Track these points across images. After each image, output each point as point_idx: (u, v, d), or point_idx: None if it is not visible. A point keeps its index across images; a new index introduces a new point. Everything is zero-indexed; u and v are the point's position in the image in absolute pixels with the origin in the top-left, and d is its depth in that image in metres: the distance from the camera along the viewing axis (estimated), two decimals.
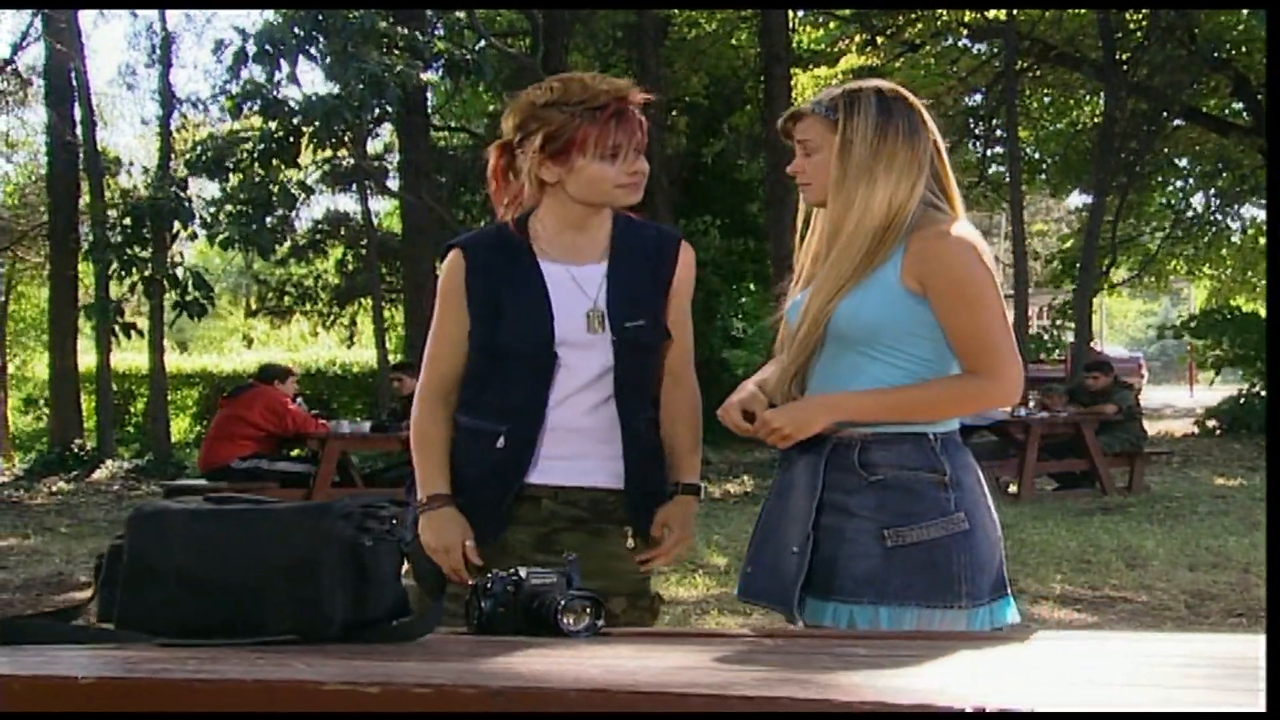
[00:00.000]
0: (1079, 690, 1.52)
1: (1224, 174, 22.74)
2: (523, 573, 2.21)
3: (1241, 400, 19.39)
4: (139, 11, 21.89)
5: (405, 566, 2.18)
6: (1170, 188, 24.32)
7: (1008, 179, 20.13)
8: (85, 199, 19.37)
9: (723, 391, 2.86)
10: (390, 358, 21.07)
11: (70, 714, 1.75)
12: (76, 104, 19.22)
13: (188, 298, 14.85)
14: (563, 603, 2.15)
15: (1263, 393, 19.36)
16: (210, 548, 2.11)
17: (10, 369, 25.50)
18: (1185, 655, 1.81)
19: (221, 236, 14.78)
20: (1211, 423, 19.33)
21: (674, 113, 21.25)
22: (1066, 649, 1.91)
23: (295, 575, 2.05)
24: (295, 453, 11.21)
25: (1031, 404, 12.89)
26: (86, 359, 20.19)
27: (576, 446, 2.84)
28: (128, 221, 16.01)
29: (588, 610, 2.17)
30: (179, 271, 15.89)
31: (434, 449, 2.89)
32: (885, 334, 2.56)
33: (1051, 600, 6.69)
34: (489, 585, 2.22)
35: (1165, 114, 19.75)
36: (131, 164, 23.28)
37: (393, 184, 20.93)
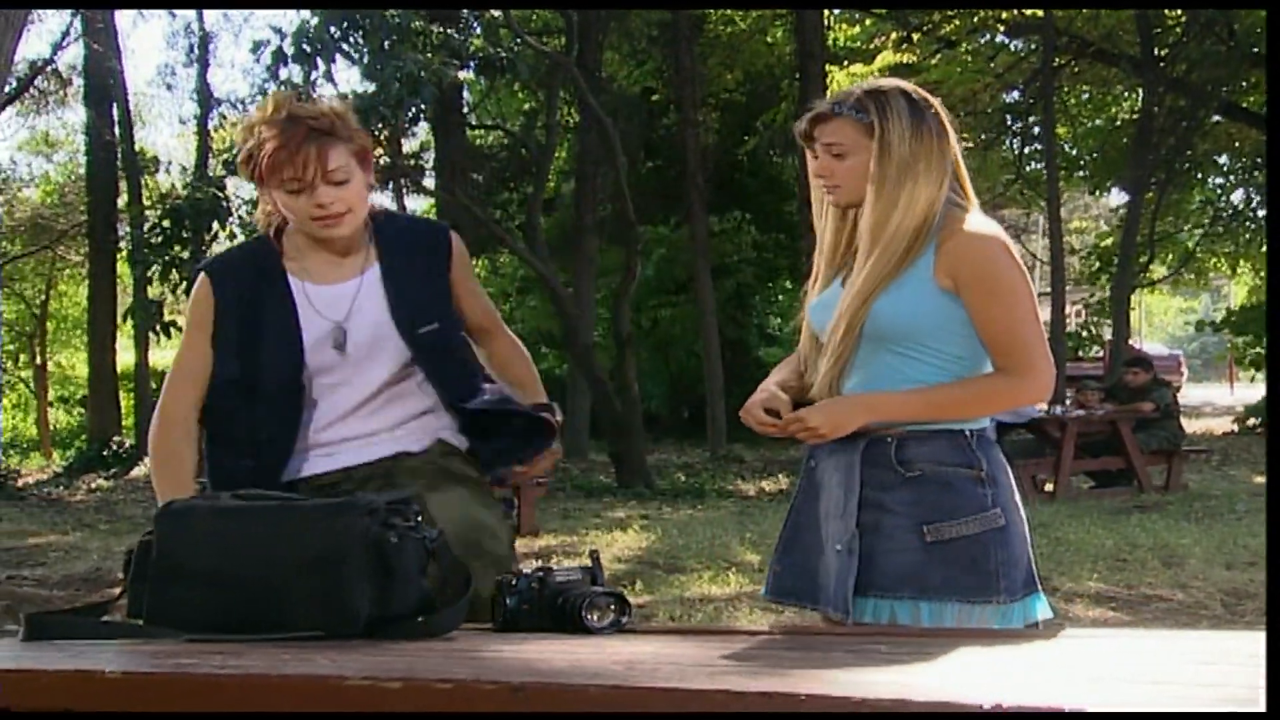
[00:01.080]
0: (1101, 687, 1.52)
1: (1263, 170, 22.53)
2: (547, 570, 2.22)
3: None
4: (177, 11, 22.04)
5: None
6: (1209, 184, 24.11)
7: (1045, 176, 20.01)
8: (124, 198, 19.52)
9: (756, 388, 2.85)
10: None
11: (98, 710, 1.77)
12: (115, 104, 19.40)
13: None
14: (587, 599, 2.16)
15: None
16: (237, 544, 2.13)
17: (50, 367, 25.72)
18: (1213, 652, 1.79)
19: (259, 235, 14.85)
20: (1251, 421, 19.16)
21: (708, 109, 21.25)
22: (1092, 646, 1.90)
23: (320, 571, 2.07)
24: None
25: (1068, 402, 12.80)
26: (125, 357, 20.36)
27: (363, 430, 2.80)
28: (167, 224, 16.09)
29: (612, 606, 2.17)
30: None
31: (183, 467, 2.83)
32: (921, 332, 2.55)
33: (1086, 599, 6.65)
34: (514, 582, 2.23)
35: (1204, 110, 19.57)
36: (170, 163, 23.49)
37: (428, 183, 20.99)
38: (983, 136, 21.89)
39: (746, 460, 16.03)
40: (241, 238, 16.29)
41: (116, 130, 19.20)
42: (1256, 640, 1.75)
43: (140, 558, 2.20)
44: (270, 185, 2.67)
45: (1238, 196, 24.29)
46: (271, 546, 2.10)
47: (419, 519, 2.15)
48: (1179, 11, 18.94)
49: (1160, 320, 57.51)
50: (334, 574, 2.06)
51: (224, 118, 21.19)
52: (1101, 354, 24.40)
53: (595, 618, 2.15)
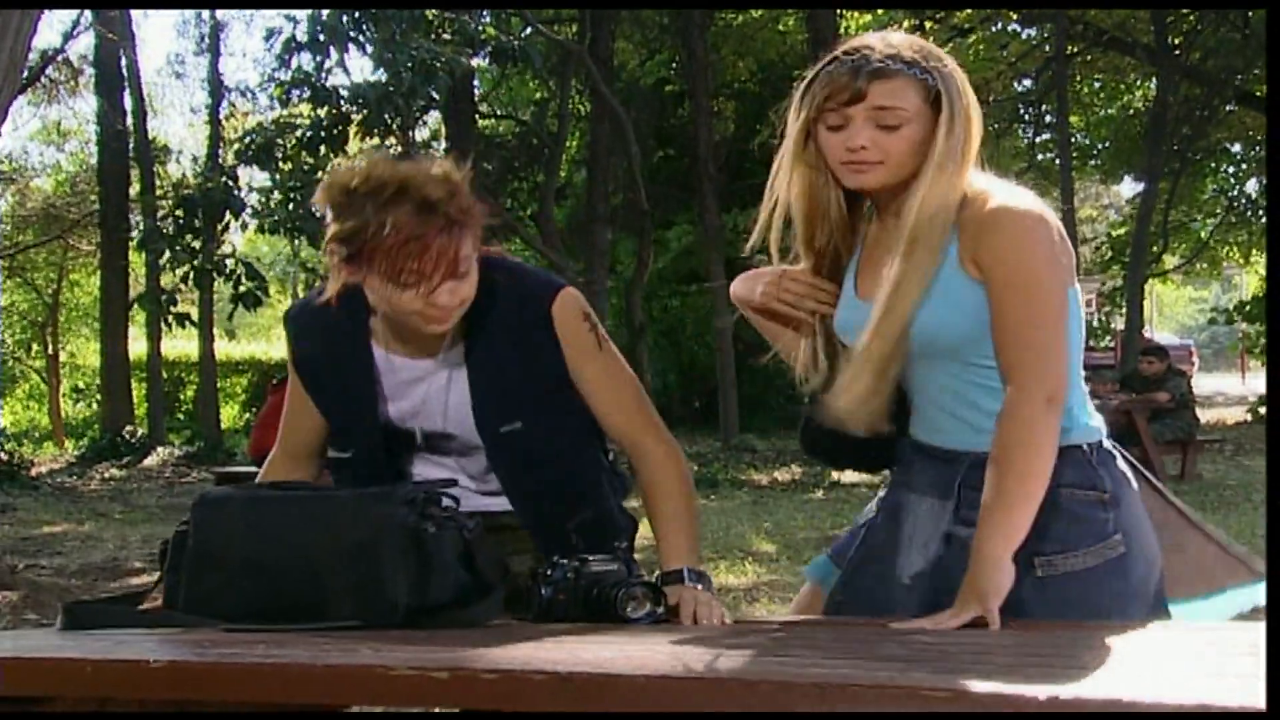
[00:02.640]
0: (1159, 680, 1.51)
1: None
2: (582, 560, 2.21)
3: None
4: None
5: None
6: (1222, 174, 24.02)
7: (1057, 164, 19.94)
8: (135, 187, 19.52)
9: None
10: None
11: (141, 699, 1.77)
12: (126, 93, 19.38)
13: (242, 289, 14.93)
14: (623, 590, 2.15)
15: None
16: (274, 534, 2.12)
17: (62, 357, 25.75)
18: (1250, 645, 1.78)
19: (271, 221, 14.86)
20: (1265, 410, 19.11)
21: (722, 100, 21.20)
22: (1136, 638, 1.89)
23: (358, 561, 2.06)
24: None
25: None
26: (137, 347, 20.38)
27: None
28: (179, 213, 16.10)
29: (649, 597, 2.17)
30: (229, 262, 15.99)
31: None
32: (973, 339, 2.19)
33: None
34: (549, 572, 2.22)
35: (1218, 99, 19.50)
36: (181, 153, 23.50)
37: None
38: (995, 125, 21.82)
39: (759, 450, 16.01)
40: (254, 227, 16.32)
41: (129, 119, 19.19)
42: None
43: (176, 547, 2.20)
44: (376, 272, 2.21)
45: (1251, 185, 24.22)
46: (309, 536, 2.10)
47: (457, 508, 2.14)
48: None
49: (1171, 310, 57.38)
50: (372, 563, 2.05)
51: (234, 107, 21.20)
52: (1113, 344, 24.35)
53: (632, 608, 2.15)
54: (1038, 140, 22.91)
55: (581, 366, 2.41)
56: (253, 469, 10.80)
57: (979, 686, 1.43)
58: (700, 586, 2.28)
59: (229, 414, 24.13)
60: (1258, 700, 1.30)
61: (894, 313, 2.16)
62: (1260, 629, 1.73)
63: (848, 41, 2.22)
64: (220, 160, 17.69)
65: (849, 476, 11.97)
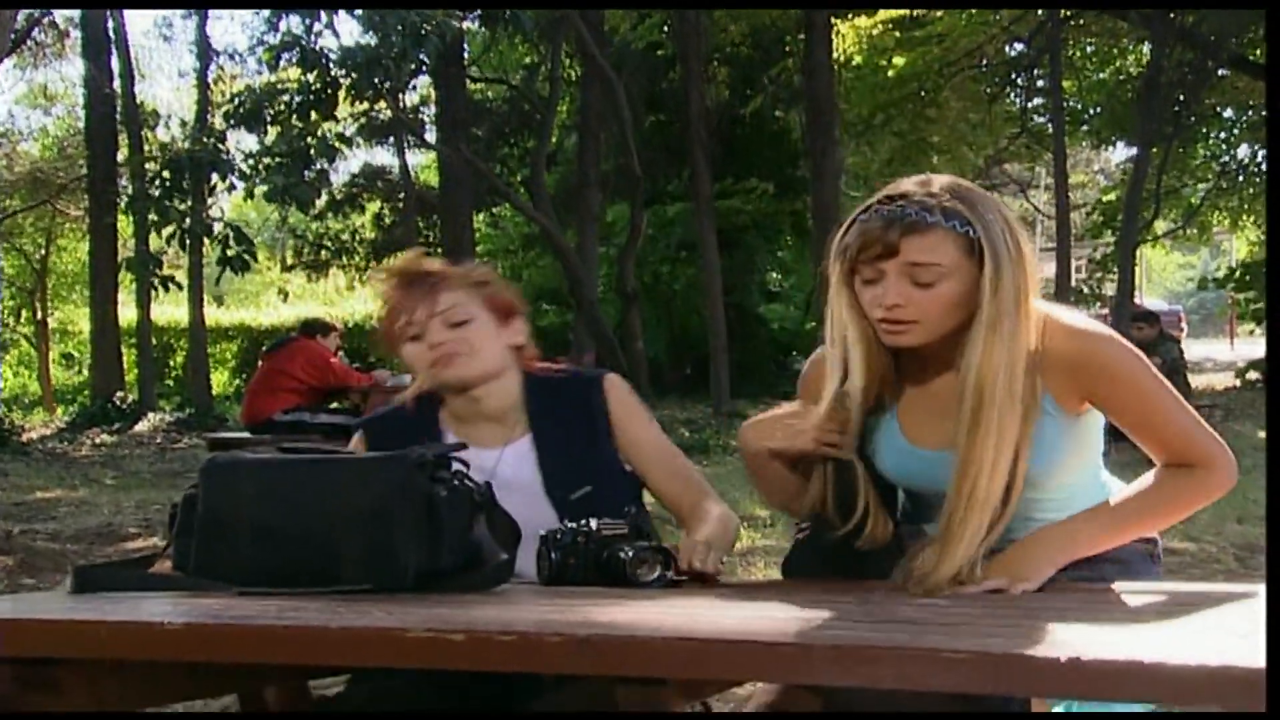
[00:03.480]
0: (1181, 640, 1.51)
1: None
2: (593, 524, 2.21)
3: None
4: None
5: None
6: (1214, 139, 23.99)
7: (1050, 129, 19.91)
8: (123, 152, 19.41)
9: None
10: None
11: (157, 660, 1.76)
12: (114, 56, 19.25)
13: (229, 253, 14.87)
14: (632, 553, 2.15)
15: None
16: (284, 498, 2.12)
17: (51, 323, 25.67)
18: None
19: (262, 189, 14.79)
20: (1253, 375, 19.17)
21: (714, 64, 21.10)
22: (1152, 599, 1.89)
23: (369, 525, 2.06)
24: (333, 405, 11.23)
25: None
26: (126, 313, 20.32)
27: None
28: (166, 174, 16.02)
29: (659, 561, 2.16)
30: (217, 226, 15.91)
31: None
32: (1070, 470, 2.22)
33: None
34: (559, 536, 2.22)
35: (1212, 62, 19.45)
36: (169, 117, 23.33)
37: (429, 137, 20.89)
38: (987, 90, 21.76)
39: (750, 416, 16.03)
40: (241, 190, 16.25)
41: (116, 83, 19.07)
42: None
43: (185, 511, 2.19)
44: (399, 340, 2.59)
45: (1243, 151, 24.19)
46: (320, 500, 2.09)
47: (467, 472, 2.14)
48: None
49: (1159, 277, 57.44)
50: (383, 527, 2.05)
51: (222, 70, 21.07)
52: (1105, 311, 24.37)
53: (642, 571, 2.14)
54: (1030, 105, 22.84)
55: (637, 433, 2.63)
56: (245, 435, 10.81)
57: (999, 648, 1.43)
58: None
59: (219, 380, 24.09)
60: None
61: (999, 473, 2.06)
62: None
63: (885, 188, 2.14)
64: (209, 124, 17.59)
65: None
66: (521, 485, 2.50)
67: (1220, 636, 1.54)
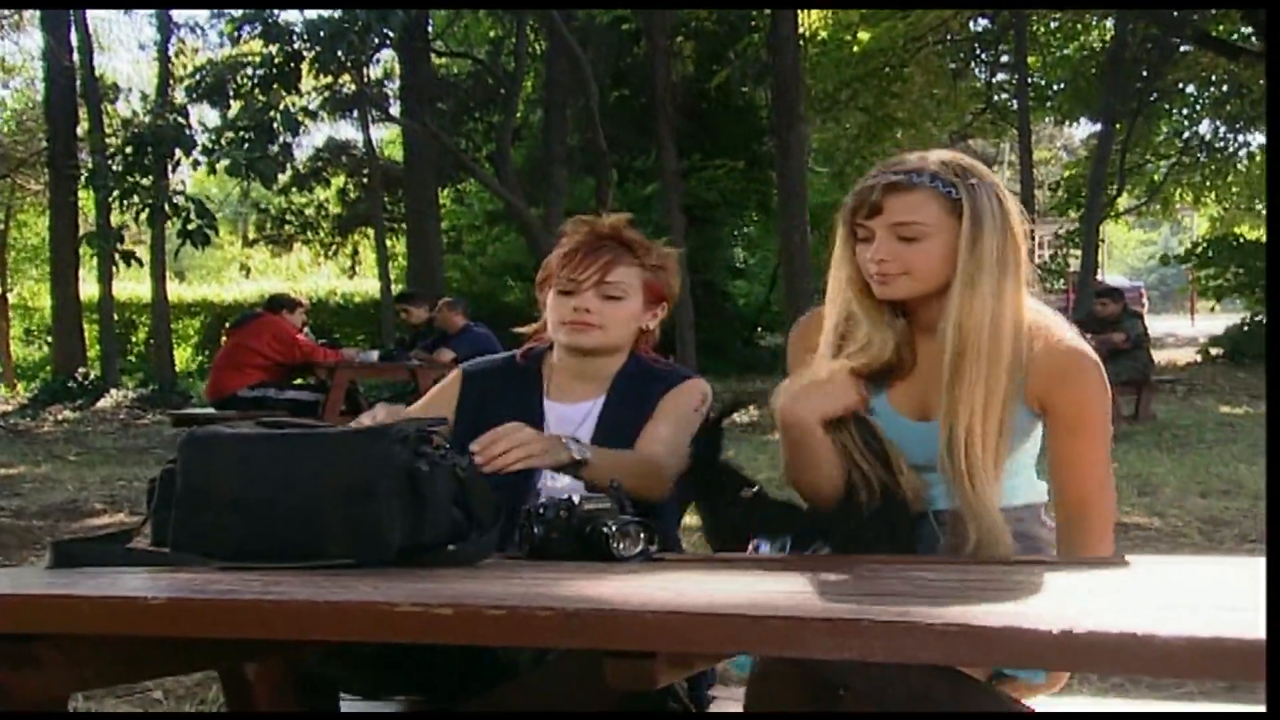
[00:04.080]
0: (1171, 613, 1.52)
1: (1232, 100, 22.56)
2: (575, 498, 2.20)
3: (1245, 328, 19.40)
4: None
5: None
6: (1176, 115, 24.13)
7: (1014, 105, 19.97)
8: (84, 125, 19.21)
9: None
10: (392, 287, 21.03)
11: (138, 635, 1.75)
12: (73, 28, 19.01)
13: (190, 226, 14.75)
14: (615, 527, 2.14)
15: (1265, 320, 19.37)
16: (265, 472, 2.09)
17: (11, 299, 25.43)
18: (1254, 578, 1.80)
19: (225, 164, 14.66)
20: (1215, 351, 19.35)
21: (680, 39, 21.05)
22: (1140, 574, 1.90)
23: (352, 499, 2.04)
24: (298, 382, 11.18)
25: None
26: (87, 288, 20.15)
27: None
28: (129, 150, 15.86)
29: (641, 535, 2.16)
30: (180, 200, 15.77)
31: None
32: (1016, 463, 2.33)
33: None
34: (541, 510, 2.21)
35: (1176, 39, 19.54)
36: (129, 90, 23.11)
37: (394, 111, 20.76)
38: (952, 65, 21.81)
39: (717, 393, 15.97)
40: (204, 165, 16.11)
41: (75, 56, 18.84)
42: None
43: (164, 485, 2.16)
44: (551, 284, 2.69)
45: (1204, 127, 24.35)
46: (301, 474, 2.07)
47: (449, 447, 2.13)
48: None
49: (1120, 253, 57.80)
50: (366, 502, 2.03)
51: (183, 43, 20.87)
52: (1065, 287, 24.52)
53: (624, 546, 2.14)
54: (995, 80, 22.91)
55: (654, 424, 2.63)
56: (210, 411, 10.75)
57: (992, 621, 1.44)
58: (573, 448, 2.40)
59: (182, 356, 23.93)
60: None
61: (990, 418, 2.17)
62: (1260, 564, 1.75)
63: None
64: (170, 97, 17.42)
65: None
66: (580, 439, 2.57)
67: (1208, 610, 1.55)
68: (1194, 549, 6.21)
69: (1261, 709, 1.36)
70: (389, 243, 23.42)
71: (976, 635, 1.41)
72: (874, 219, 2.21)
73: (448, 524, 2.07)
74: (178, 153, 15.73)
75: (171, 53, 19.80)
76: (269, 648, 2.04)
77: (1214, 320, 24.70)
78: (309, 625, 1.68)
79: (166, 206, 15.53)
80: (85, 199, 19.47)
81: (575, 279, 2.64)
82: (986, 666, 1.89)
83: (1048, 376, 2.20)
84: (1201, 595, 1.65)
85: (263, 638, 1.73)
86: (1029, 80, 20.49)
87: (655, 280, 2.71)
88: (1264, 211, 25.88)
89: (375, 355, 11.74)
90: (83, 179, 17.92)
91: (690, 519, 2.85)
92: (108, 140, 17.06)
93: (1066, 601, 1.64)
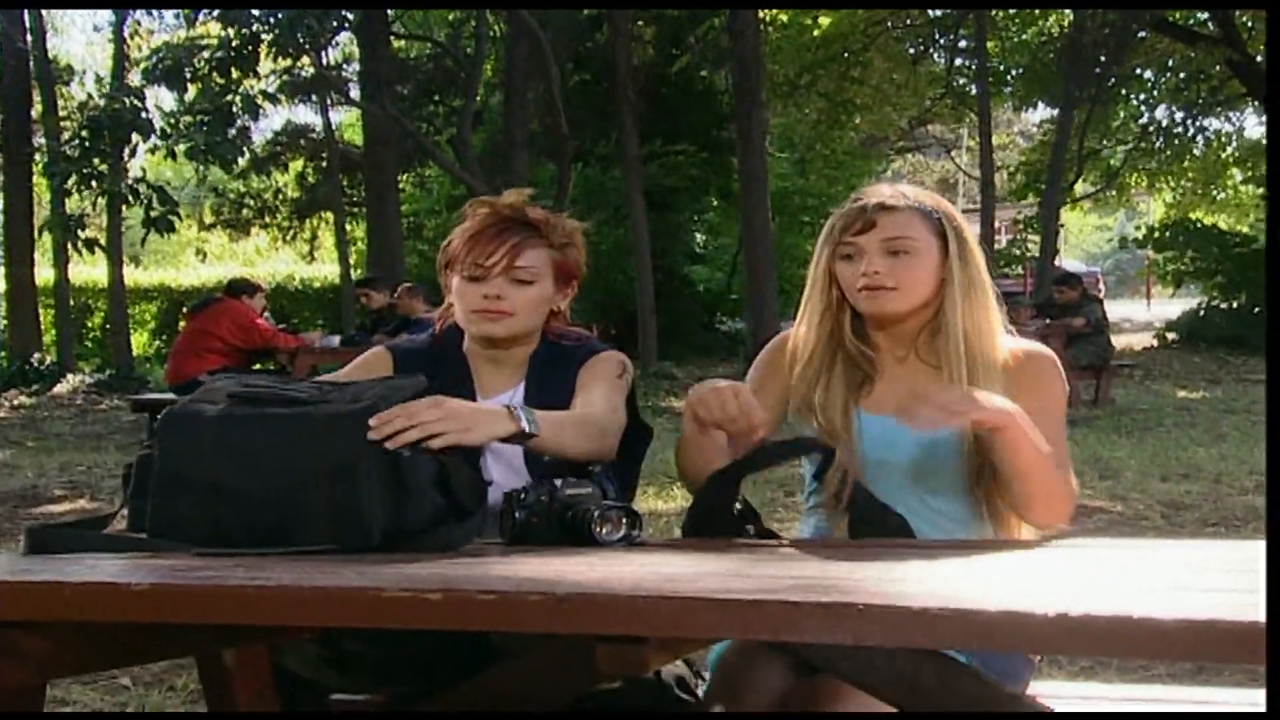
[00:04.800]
0: (1164, 595, 1.52)
1: (1189, 86, 22.71)
2: (556, 483, 2.19)
3: (1201, 313, 19.56)
4: None
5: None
6: (1134, 100, 24.27)
7: (973, 90, 20.03)
8: (38, 109, 18.98)
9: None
10: (352, 272, 20.91)
11: (119, 622, 1.72)
12: (25, 10, 18.76)
13: (153, 213, 14.60)
14: (597, 512, 2.13)
15: (1221, 305, 19.56)
16: (244, 455, 2.07)
17: None
18: (1232, 561, 1.81)
19: (183, 147, 14.52)
20: (1171, 336, 19.51)
21: (641, 23, 21.00)
22: (1115, 557, 1.91)
23: (333, 484, 2.02)
24: (257, 367, 11.10)
25: None
26: (42, 272, 19.92)
27: None
28: (85, 133, 15.68)
29: (624, 520, 2.15)
30: (140, 187, 15.61)
31: None
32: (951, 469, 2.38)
33: None
34: (522, 496, 2.19)
35: (1134, 25, 19.64)
36: (84, 72, 22.84)
37: (353, 94, 20.62)
38: (911, 50, 21.85)
39: (678, 377, 16.07)
40: (162, 150, 15.95)
41: (29, 38, 18.60)
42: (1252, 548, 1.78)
43: (141, 470, 2.14)
44: (454, 270, 2.58)
45: (1160, 112, 24.50)
46: (282, 458, 2.05)
47: None
48: None
49: (1076, 238, 58.13)
50: (347, 486, 2.01)
51: (139, 24, 20.63)
52: (1022, 272, 24.62)
53: (606, 531, 2.13)
54: (954, 65, 22.96)
55: (585, 392, 2.54)
56: (170, 396, 10.67)
57: (988, 604, 1.43)
58: (521, 417, 2.24)
59: (139, 342, 23.71)
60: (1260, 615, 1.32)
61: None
62: (1257, 547, 1.76)
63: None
64: (126, 80, 17.23)
65: None
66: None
67: (1199, 593, 1.55)
68: (1157, 532, 6.27)
69: (1225, 691, 1.37)
70: (348, 227, 23.28)
71: (972, 619, 1.41)
72: (865, 235, 2.33)
73: (430, 508, 2.06)
74: (135, 137, 15.58)
75: (127, 34, 19.57)
76: (250, 634, 2.02)
77: (1170, 305, 24.89)
78: (296, 611, 1.66)
79: (126, 193, 15.38)
80: (40, 183, 19.25)
81: (482, 264, 2.53)
82: (983, 650, 1.90)
83: (1014, 369, 2.34)
84: (1191, 577, 1.65)
85: (248, 623, 1.71)
86: (988, 65, 20.55)
87: (564, 259, 2.62)
88: (1219, 197, 26.14)
89: (337, 340, 11.68)
90: (39, 164, 17.72)
91: (660, 504, 2.84)
92: (63, 124, 16.86)
93: (1061, 584, 1.64)
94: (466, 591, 1.61)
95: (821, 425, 2.37)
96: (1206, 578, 1.66)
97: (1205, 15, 20.70)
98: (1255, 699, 2.32)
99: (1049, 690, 2.39)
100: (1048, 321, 12.50)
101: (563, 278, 2.63)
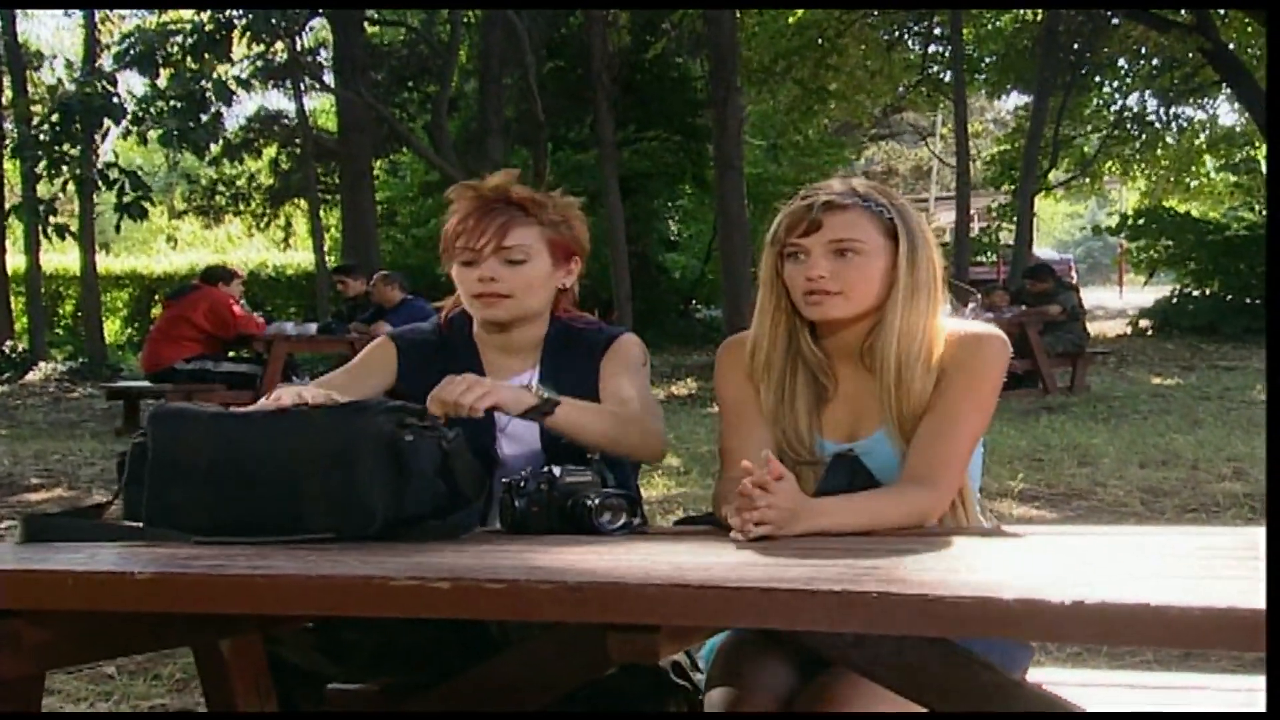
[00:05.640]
0: (1176, 583, 1.52)
1: (1162, 73, 22.79)
2: (556, 471, 2.17)
3: (1174, 301, 19.64)
4: None
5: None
6: (1108, 88, 24.34)
7: (947, 78, 20.04)
8: (7, 94, 18.81)
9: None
10: (327, 260, 20.81)
11: (118, 611, 1.71)
12: None
13: (125, 199, 14.49)
14: (598, 501, 2.12)
15: (1194, 293, 19.65)
16: (241, 443, 2.05)
17: None
18: (1231, 547, 1.81)
19: (157, 133, 14.42)
20: (1144, 323, 19.59)
21: (615, 9, 20.94)
22: (1119, 544, 1.91)
23: (333, 470, 2.00)
24: (231, 354, 11.04)
25: (973, 305, 12.96)
26: (12, 259, 19.75)
27: None
28: (56, 118, 15.54)
29: (624, 508, 2.14)
30: (112, 172, 15.49)
31: None
32: None
33: (1012, 497, 6.76)
34: (523, 484, 2.18)
35: (1109, 11, 19.67)
36: (54, 57, 22.64)
37: (328, 80, 20.49)
38: (886, 37, 21.84)
39: (655, 366, 16.04)
40: (134, 135, 15.83)
41: None
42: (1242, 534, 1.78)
43: (135, 459, 2.12)
44: (451, 256, 2.58)
45: (1133, 100, 24.58)
46: (280, 444, 2.03)
47: (435, 419, 2.09)
48: None
49: (1048, 226, 58.35)
50: (347, 473, 1.99)
51: (108, 10, 20.46)
52: (995, 260, 24.70)
53: (608, 519, 2.12)
54: (929, 52, 22.97)
55: (610, 380, 2.54)
56: (145, 384, 10.60)
57: (1005, 593, 1.43)
58: (537, 389, 2.31)
59: (111, 329, 23.55)
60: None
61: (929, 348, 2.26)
62: (1256, 533, 1.76)
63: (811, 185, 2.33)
64: (97, 65, 17.09)
65: None
66: (520, 425, 2.49)
67: (1209, 581, 1.56)
68: (1137, 518, 6.29)
69: (1217, 677, 1.37)
70: (322, 214, 23.16)
71: (988, 606, 1.41)
72: (810, 236, 2.22)
73: (430, 496, 2.04)
74: (106, 122, 15.46)
75: (97, 18, 19.41)
76: (249, 623, 2.00)
77: (1142, 293, 24.99)
78: (302, 600, 1.65)
79: (97, 178, 15.26)
80: (10, 169, 19.08)
81: (472, 248, 2.53)
82: (1002, 637, 1.90)
83: (956, 358, 2.23)
84: (1196, 565, 1.65)
85: (254, 613, 1.69)
86: (963, 52, 20.58)
87: (559, 236, 2.59)
88: (1192, 185, 26.25)
89: (314, 328, 11.61)
90: (8, 148, 17.56)
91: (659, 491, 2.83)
92: (33, 109, 16.70)
93: (1075, 571, 1.64)
94: (476, 580, 1.60)
95: (789, 455, 2.26)
96: (1219, 565, 1.66)
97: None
98: (1243, 684, 2.32)
99: (1046, 676, 2.39)
100: (1024, 308, 12.54)
101: (560, 255, 2.61)
